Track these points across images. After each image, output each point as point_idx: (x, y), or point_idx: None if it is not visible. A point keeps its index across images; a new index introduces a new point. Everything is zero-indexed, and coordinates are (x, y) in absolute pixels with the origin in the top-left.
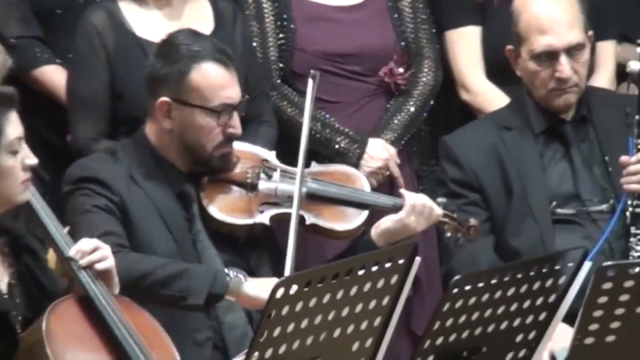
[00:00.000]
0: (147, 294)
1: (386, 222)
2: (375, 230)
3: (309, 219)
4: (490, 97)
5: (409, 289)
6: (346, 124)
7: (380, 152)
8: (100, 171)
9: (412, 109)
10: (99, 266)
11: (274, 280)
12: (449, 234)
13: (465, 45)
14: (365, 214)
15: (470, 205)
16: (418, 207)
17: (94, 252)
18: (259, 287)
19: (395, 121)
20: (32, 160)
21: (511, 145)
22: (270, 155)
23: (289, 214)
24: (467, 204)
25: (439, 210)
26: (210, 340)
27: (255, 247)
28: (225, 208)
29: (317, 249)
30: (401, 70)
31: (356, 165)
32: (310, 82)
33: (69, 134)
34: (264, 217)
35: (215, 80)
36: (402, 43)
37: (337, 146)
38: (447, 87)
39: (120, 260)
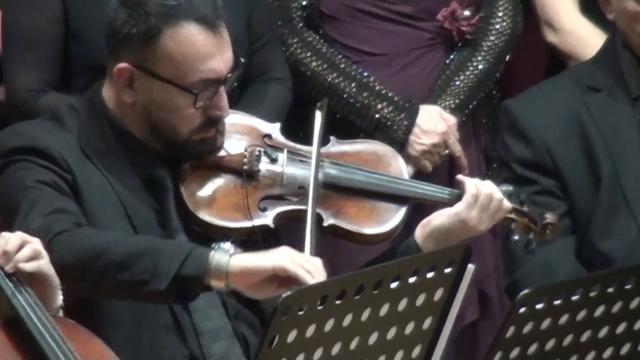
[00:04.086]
0: (100, 283)
1: (438, 218)
2: (422, 231)
3: (327, 219)
4: (586, 37)
5: (466, 311)
6: (391, 86)
7: (435, 123)
8: (42, 140)
9: (481, 66)
10: (29, 266)
11: (279, 249)
12: (516, 237)
13: None
14: (402, 211)
15: (542, 194)
16: (483, 199)
17: (20, 249)
18: (254, 255)
19: (458, 82)
20: None
21: (599, 112)
22: (274, 130)
23: (301, 212)
24: (537, 192)
25: (508, 205)
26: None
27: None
28: (213, 206)
29: (345, 254)
30: (467, 13)
31: (403, 141)
32: (317, 114)
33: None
34: (266, 217)
35: (195, 48)
36: None
37: (377, 115)
38: (529, 30)
39: (68, 239)
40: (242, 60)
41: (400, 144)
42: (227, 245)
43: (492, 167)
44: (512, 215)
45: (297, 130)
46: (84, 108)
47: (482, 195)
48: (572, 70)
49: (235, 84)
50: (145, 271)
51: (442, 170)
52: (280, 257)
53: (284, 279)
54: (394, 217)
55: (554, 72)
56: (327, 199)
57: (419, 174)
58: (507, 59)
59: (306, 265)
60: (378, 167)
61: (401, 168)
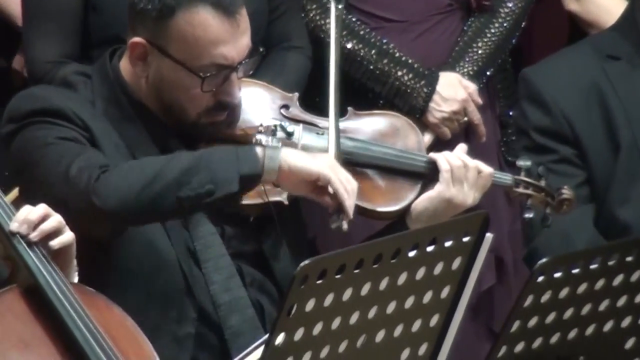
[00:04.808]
0: (160, 205)
1: (421, 203)
2: (409, 218)
3: None
4: (607, 5)
5: (483, 277)
6: (410, 52)
7: (455, 90)
8: (57, 102)
9: (499, 33)
10: (54, 243)
11: (328, 156)
12: (530, 214)
13: None
14: (417, 187)
15: (560, 162)
16: (457, 173)
17: (43, 221)
18: (303, 155)
19: (476, 49)
20: None
21: (618, 80)
22: (292, 100)
23: None
24: (556, 161)
25: (488, 169)
26: (191, 337)
27: (271, 229)
28: None
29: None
30: None
31: (423, 108)
32: (332, 5)
33: (17, 54)
34: (281, 194)
35: (207, 32)
36: None
37: (397, 82)
38: None
39: (113, 177)
40: (261, 49)
41: (420, 111)
42: (274, 141)
43: (506, 132)
44: (529, 191)
45: (315, 97)
46: (96, 75)
47: (455, 169)
48: (592, 38)
49: (251, 72)
50: (207, 182)
51: (458, 139)
52: (326, 167)
53: (321, 186)
54: (408, 195)
55: (575, 41)
56: None
57: (438, 141)
58: (522, 25)
59: (345, 184)
60: (396, 141)
61: (419, 141)
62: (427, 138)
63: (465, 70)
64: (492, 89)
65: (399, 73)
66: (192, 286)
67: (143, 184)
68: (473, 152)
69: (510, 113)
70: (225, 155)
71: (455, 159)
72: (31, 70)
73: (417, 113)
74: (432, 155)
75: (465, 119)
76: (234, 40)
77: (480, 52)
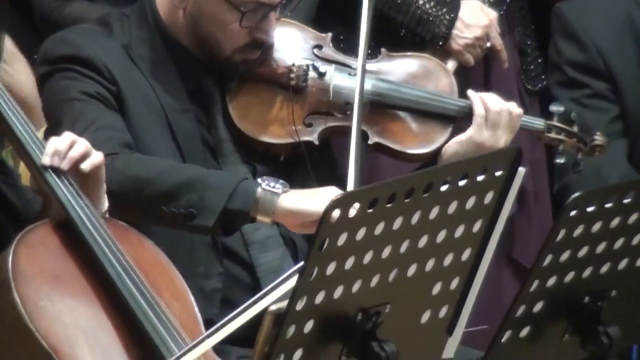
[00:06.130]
0: (143, 209)
1: (452, 146)
2: (440, 161)
3: (372, 137)
4: None
5: (511, 208)
6: None
7: (477, 16)
8: (87, 50)
9: None
10: (85, 165)
11: (327, 190)
12: (562, 160)
13: None
14: (448, 131)
15: (594, 97)
16: (493, 117)
17: (72, 148)
18: (302, 197)
19: None
20: None
21: None
22: (324, 41)
23: (346, 128)
24: (589, 95)
25: (517, 109)
26: (218, 292)
27: (301, 169)
28: (259, 121)
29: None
30: None
31: (446, 35)
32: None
33: None
34: (312, 133)
35: None
36: None
37: (418, 11)
38: None
39: (114, 164)
40: None
41: (443, 39)
42: (277, 186)
43: (525, 60)
44: (561, 136)
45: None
46: (135, 15)
47: (491, 113)
48: None
49: (289, 13)
50: (192, 204)
51: (479, 63)
52: (326, 202)
53: None
54: (439, 137)
55: None
56: (374, 115)
57: (462, 68)
58: None
59: None
60: (427, 83)
61: (451, 84)
62: (451, 65)
63: None
64: (511, 17)
65: (421, 1)
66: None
67: (138, 182)
68: (494, 81)
69: (528, 42)
70: (224, 183)
71: (492, 102)
72: (38, 7)
73: (439, 40)
74: (470, 95)
75: (488, 44)
76: None
77: None
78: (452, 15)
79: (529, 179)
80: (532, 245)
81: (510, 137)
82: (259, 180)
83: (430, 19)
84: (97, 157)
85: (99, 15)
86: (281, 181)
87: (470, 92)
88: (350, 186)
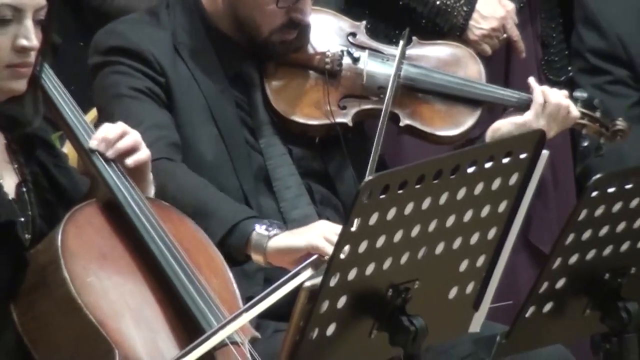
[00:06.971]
0: None
1: (507, 126)
2: (492, 135)
3: (404, 119)
4: None
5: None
6: None
7: (494, 8)
8: (138, 42)
9: None
10: (130, 161)
11: (314, 225)
12: (585, 143)
13: None
14: (477, 114)
15: (615, 84)
16: (551, 109)
17: (121, 139)
18: (290, 235)
19: None
20: (28, 41)
21: None
22: (359, 29)
23: (379, 111)
24: (610, 82)
25: (576, 112)
26: (261, 272)
27: (336, 149)
28: (296, 103)
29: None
30: None
31: (463, 26)
32: (401, 43)
33: None
34: (346, 116)
35: None
36: None
37: (437, 2)
38: None
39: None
40: None
41: (461, 29)
42: (266, 230)
43: (548, 51)
44: (584, 121)
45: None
46: (178, 4)
47: (550, 105)
48: None
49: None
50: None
51: (499, 54)
52: (313, 236)
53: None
54: (467, 120)
55: None
56: (405, 99)
57: (482, 58)
58: None
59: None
60: (457, 70)
61: (479, 71)
62: None
63: None
64: (533, 8)
65: None
66: (263, 206)
67: (163, 193)
68: (514, 71)
69: (553, 35)
70: (229, 216)
71: (553, 95)
72: (87, 1)
73: (457, 31)
74: (531, 82)
75: (505, 35)
76: None
77: None
78: (469, 7)
79: (548, 163)
80: (548, 229)
81: (560, 130)
82: (257, 224)
83: (449, 10)
84: (143, 154)
85: (148, 6)
86: (278, 223)
87: (531, 81)
88: (371, 170)
